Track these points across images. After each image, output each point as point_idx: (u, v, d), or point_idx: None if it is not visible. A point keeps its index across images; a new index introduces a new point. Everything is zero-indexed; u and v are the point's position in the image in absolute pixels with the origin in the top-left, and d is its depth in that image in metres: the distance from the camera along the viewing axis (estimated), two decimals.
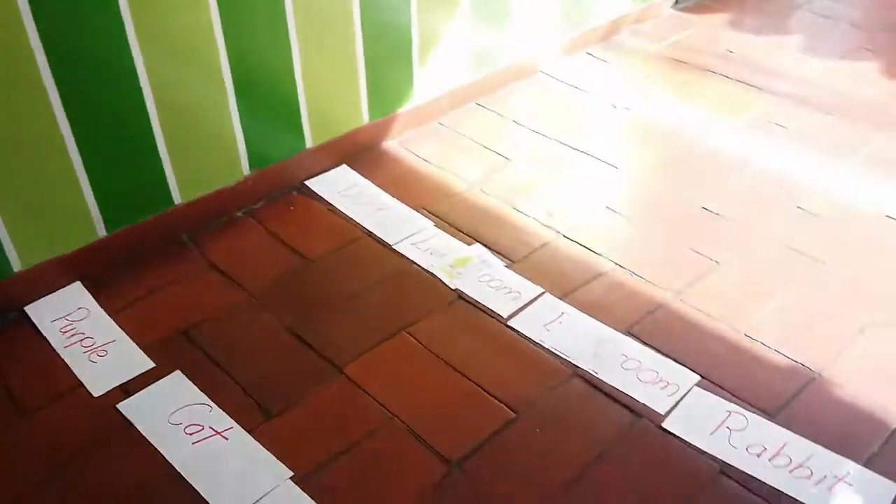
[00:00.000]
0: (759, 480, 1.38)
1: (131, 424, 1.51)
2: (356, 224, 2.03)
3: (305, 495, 1.38)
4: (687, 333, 1.67)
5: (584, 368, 1.60)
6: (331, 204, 2.11)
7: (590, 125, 2.43)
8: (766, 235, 1.95)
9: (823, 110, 2.44)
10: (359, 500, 1.38)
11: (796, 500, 1.35)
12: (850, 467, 1.39)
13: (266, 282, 1.85)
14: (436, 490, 1.39)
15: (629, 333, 1.68)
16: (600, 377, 1.58)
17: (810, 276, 1.82)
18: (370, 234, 2.00)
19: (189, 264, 1.91)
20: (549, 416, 1.51)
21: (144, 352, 1.66)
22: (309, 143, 2.18)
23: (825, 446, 1.43)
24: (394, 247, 1.95)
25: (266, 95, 2.02)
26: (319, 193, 2.15)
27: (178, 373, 1.62)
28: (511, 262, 1.89)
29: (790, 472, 1.39)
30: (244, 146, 2.03)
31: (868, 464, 1.40)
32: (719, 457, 1.42)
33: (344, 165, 2.25)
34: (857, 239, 1.93)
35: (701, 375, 1.57)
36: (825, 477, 1.37)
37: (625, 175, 2.19)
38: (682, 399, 1.53)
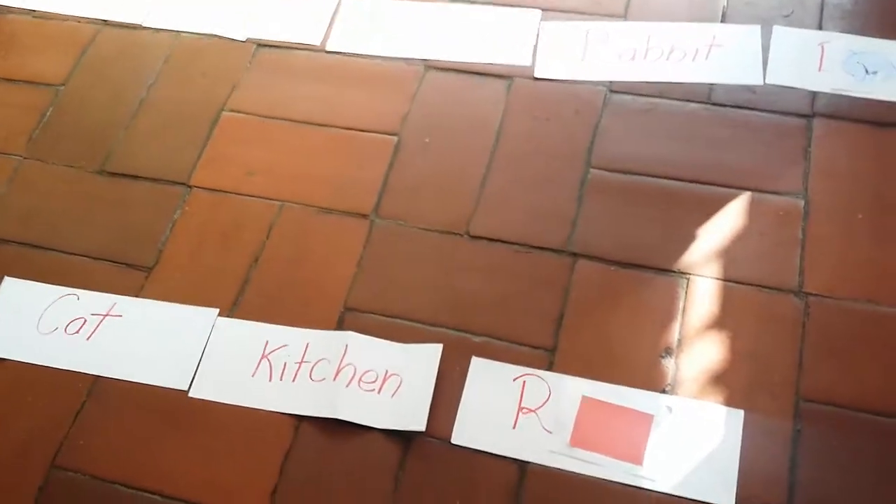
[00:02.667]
0: (645, 82, 1.39)
1: (1, 360, 1.25)
2: (80, 19, 1.64)
3: (247, 321, 1.24)
4: None
5: (431, 58, 1.47)
6: (28, 8, 1.68)
7: None
8: None
9: None
10: (301, 296, 1.25)
11: (684, 83, 1.38)
12: (713, 30, 1.42)
13: (26, 134, 1.50)
14: (368, 247, 1.28)
15: None
16: (451, 59, 1.46)
17: None
18: (105, 22, 1.63)
19: None
20: (430, 121, 1.40)
21: None
22: None
23: (683, 20, 1.44)
24: (145, 26, 1.61)
25: None
26: (9, 4, 1.70)
27: (7, 280, 1.33)
28: None
29: (667, 60, 1.40)
30: None
31: (724, 19, 1.44)
32: (600, 78, 1.40)
33: None
34: None
35: (541, 9, 1.49)
36: (697, 50, 1.40)
37: None
38: (537, 41, 1.46)
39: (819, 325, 1.14)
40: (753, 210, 1.25)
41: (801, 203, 1.24)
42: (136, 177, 1.41)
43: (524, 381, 1.13)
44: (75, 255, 1.34)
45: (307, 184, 1.35)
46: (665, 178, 1.29)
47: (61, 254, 1.35)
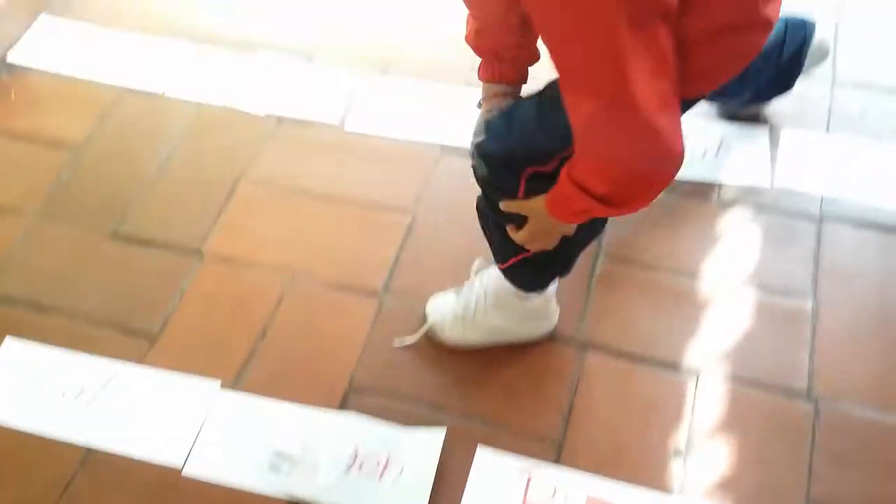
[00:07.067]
0: None
1: None
2: (102, 85, 1.67)
3: (249, 394, 1.22)
4: None
5: (447, 143, 1.49)
6: (55, 72, 1.70)
7: None
8: None
9: None
10: (306, 372, 1.24)
11: (692, 181, 1.39)
12: (721, 129, 1.45)
13: (42, 194, 1.51)
14: (376, 325, 1.28)
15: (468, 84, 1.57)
16: (466, 145, 1.48)
17: None
18: (127, 89, 1.66)
19: None
20: (443, 204, 1.41)
21: None
22: None
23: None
24: (167, 96, 1.64)
25: None
26: (33, 66, 1.73)
27: (8, 339, 1.31)
28: (309, 58, 1.67)
29: None
30: None
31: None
32: None
33: (42, 15, 1.80)
34: None
35: None
36: (706, 150, 1.43)
37: None
38: None
39: (829, 431, 1.13)
40: (762, 310, 1.25)
41: (810, 305, 1.25)
42: (149, 243, 1.41)
43: (529, 477, 1.11)
44: (80, 319, 1.33)
45: (319, 258, 1.36)
46: (673, 272, 1.30)
47: (66, 317, 1.34)
